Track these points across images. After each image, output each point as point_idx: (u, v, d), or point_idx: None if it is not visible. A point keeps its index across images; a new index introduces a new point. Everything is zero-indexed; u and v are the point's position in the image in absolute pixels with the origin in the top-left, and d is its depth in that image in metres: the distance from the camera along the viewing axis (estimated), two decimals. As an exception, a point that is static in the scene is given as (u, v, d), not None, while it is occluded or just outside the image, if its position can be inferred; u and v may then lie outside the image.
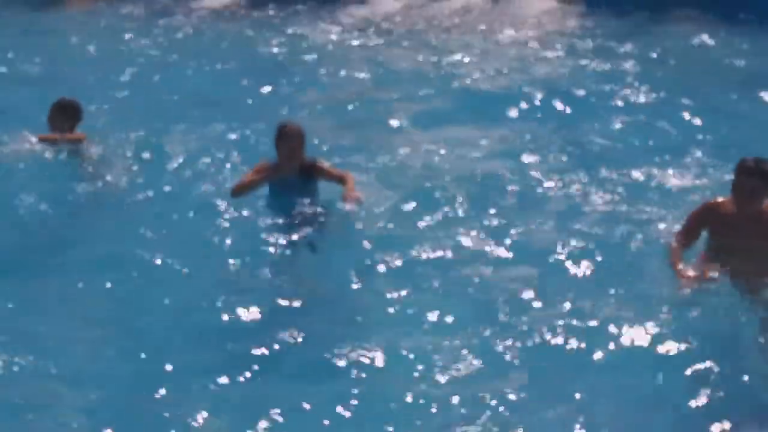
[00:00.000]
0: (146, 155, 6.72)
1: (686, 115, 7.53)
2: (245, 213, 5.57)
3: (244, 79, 8.78)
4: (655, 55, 9.48)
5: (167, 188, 6.11)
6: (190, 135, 7.01)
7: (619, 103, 7.86)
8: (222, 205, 5.66)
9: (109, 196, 6.09)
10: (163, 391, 4.00)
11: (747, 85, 8.49)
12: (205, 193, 5.95)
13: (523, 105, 7.86)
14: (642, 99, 7.96)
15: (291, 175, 5.37)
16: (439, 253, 5.16)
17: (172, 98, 8.14)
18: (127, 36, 10.54)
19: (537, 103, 7.92)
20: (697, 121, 7.43)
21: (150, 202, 5.94)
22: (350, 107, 8.02)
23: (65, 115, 6.37)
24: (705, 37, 10.28)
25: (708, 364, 4.11)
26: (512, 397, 3.93)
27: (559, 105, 7.84)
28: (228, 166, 6.41)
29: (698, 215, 4.74)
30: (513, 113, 7.66)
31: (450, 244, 5.24)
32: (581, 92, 8.18)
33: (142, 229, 5.54)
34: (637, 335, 4.31)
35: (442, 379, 4.06)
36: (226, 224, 5.51)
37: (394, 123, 7.52)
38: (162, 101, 8.01)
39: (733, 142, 6.78)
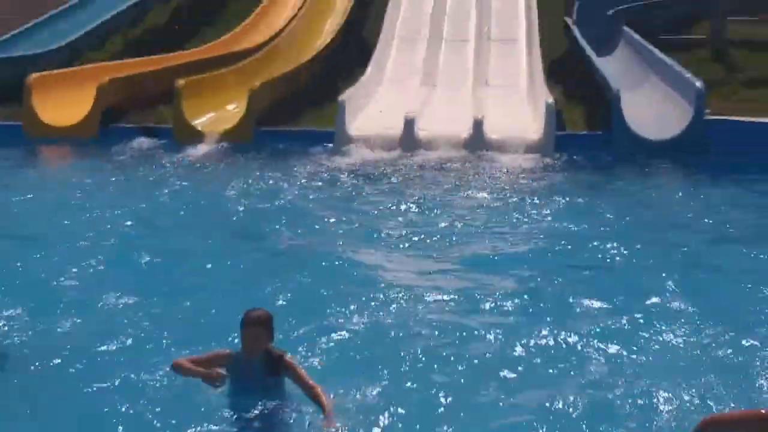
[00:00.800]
0: (97, 318, 6.44)
1: (662, 278, 7.27)
2: (200, 404, 5.05)
3: (219, 236, 8.72)
4: (627, 213, 9.55)
5: (119, 360, 5.73)
6: (153, 298, 6.78)
7: (592, 267, 7.72)
8: (173, 385, 5.21)
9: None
10: None
11: (725, 242, 8.50)
12: (157, 371, 5.47)
13: (495, 268, 7.72)
14: (616, 261, 7.82)
15: (253, 366, 4.97)
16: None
17: (140, 254, 7.95)
18: (105, 187, 10.65)
19: (508, 266, 7.76)
20: (673, 282, 7.16)
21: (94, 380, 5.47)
22: (321, 265, 7.78)
23: None
24: (678, 192, 10.45)
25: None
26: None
27: (530, 270, 7.65)
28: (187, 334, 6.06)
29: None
30: (487, 276, 7.50)
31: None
32: (552, 255, 8.10)
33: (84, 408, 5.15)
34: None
35: None
36: (174, 413, 5.03)
37: (364, 287, 7.18)
38: (131, 257, 7.87)
39: (722, 309, 6.66)
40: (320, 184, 10.98)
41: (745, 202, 10.12)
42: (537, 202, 10.02)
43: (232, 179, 11.06)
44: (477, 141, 12.73)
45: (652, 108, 13.48)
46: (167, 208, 9.82)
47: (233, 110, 14.16)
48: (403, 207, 9.83)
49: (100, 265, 7.56)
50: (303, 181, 11.06)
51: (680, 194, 10.39)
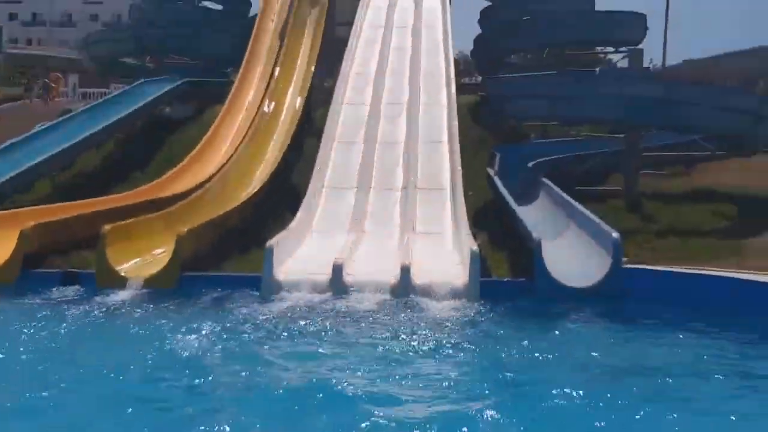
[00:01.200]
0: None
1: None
2: None
3: (136, 389, 8.44)
4: (546, 360, 9.64)
5: None
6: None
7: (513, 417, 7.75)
8: None
9: None
10: None
11: (643, 391, 8.53)
12: None
13: (415, 415, 7.63)
14: (534, 410, 7.86)
15: None
16: None
17: (54, 407, 7.69)
18: (18, 336, 10.30)
19: (425, 414, 7.66)
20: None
21: None
22: (246, 418, 7.54)
23: None
24: (596, 339, 10.64)
25: None
26: None
27: (449, 417, 7.60)
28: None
29: None
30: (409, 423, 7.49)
31: None
32: (472, 403, 8.01)
33: None
34: None
35: None
36: None
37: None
38: (43, 409, 7.59)
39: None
40: (245, 330, 10.81)
41: (662, 347, 10.36)
42: (460, 348, 10.06)
43: (152, 328, 10.84)
44: (404, 286, 12.89)
45: (572, 256, 13.95)
46: (83, 358, 9.51)
47: (159, 256, 14.09)
48: (328, 353, 9.74)
49: (11, 416, 7.28)
50: (227, 327, 10.88)
51: (599, 341, 10.59)
